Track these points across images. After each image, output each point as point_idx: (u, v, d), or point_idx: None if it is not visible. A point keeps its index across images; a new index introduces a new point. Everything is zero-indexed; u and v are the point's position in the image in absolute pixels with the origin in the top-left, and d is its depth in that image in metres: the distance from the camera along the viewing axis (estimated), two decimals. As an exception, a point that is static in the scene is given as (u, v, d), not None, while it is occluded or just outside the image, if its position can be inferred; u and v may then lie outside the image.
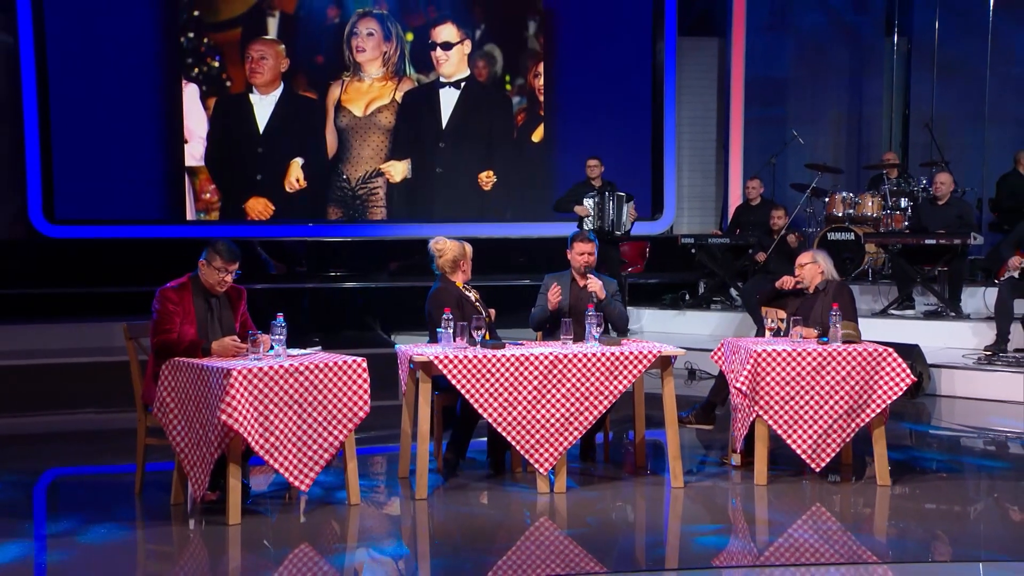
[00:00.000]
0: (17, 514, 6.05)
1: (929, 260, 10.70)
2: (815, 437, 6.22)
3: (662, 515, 6.06)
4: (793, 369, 6.19)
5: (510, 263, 13.09)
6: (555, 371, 6.04)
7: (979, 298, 10.72)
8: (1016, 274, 9.36)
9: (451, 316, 6.25)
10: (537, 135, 13.85)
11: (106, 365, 9.58)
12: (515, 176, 13.76)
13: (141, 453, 6.15)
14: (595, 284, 6.91)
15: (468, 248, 6.87)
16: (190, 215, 13.03)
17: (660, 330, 11.51)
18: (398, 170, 13.51)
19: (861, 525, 5.84)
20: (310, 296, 12.26)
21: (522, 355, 6.03)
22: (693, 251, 11.83)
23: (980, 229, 11.66)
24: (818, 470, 6.30)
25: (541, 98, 13.82)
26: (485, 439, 6.75)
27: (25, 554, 5.32)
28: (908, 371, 6.20)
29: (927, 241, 10.53)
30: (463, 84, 13.61)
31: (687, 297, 12.05)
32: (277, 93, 13.16)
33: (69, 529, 5.63)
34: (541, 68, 13.81)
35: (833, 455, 6.28)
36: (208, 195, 13.09)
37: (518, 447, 6.04)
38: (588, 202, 11.11)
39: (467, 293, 6.79)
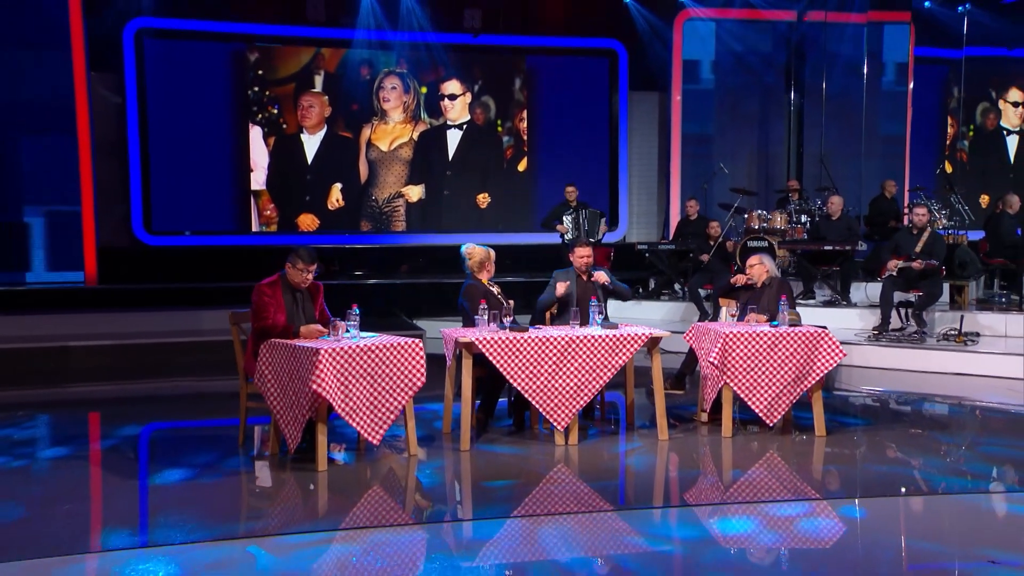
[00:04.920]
0: (137, 458, 5.83)
1: (825, 262, 10.63)
2: (769, 399, 6.08)
3: (653, 462, 5.88)
4: (753, 346, 6.05)
5: (500, 266, 12.67)
6: (568, 349, 5.86)
7: (863, 291, 10.69)
8: (894, 273, 9.29)
9: (486, 307, 6.06)
10: (522, 166, 13.70)
11: (196, 344, 9.38)
12: (505, 197, 13.64)
13: (243, 413, 5.93)
14: (601, 277, 6.71)
15: (492, 252, 6.70)
16: (255, 227, 12.85)
17: (621, 316, 11.24)
18: (415, 192, 13.32)
19: (805, 467, 5.70)
20: (347, 290, 11.98)
21: (542, 336, 5.85)
22: (647, 255, 11.66)
23: (862, 238, 11.62)
24: (771, 424, 6.17)
25: (525, 137, 13.68)
26: (505, 401, 6.57)
27: (143, 489, 5.12)
28: (840, 348, 6.08)
29: (824, 247, 10.49)
30: (465, 126, 13.47)
31: (640, 291, 11.90)
32: (321, 133, 12.99)
33: (184, 472, 5.41)
34: (525, 114, 13.68)
35: (783, 413, 6.15)
36: (268, 212, 12.87)
37: (540, 409, 5.85)
38: (566, 219, 10.96)
39: (491, 288, 6.60)
